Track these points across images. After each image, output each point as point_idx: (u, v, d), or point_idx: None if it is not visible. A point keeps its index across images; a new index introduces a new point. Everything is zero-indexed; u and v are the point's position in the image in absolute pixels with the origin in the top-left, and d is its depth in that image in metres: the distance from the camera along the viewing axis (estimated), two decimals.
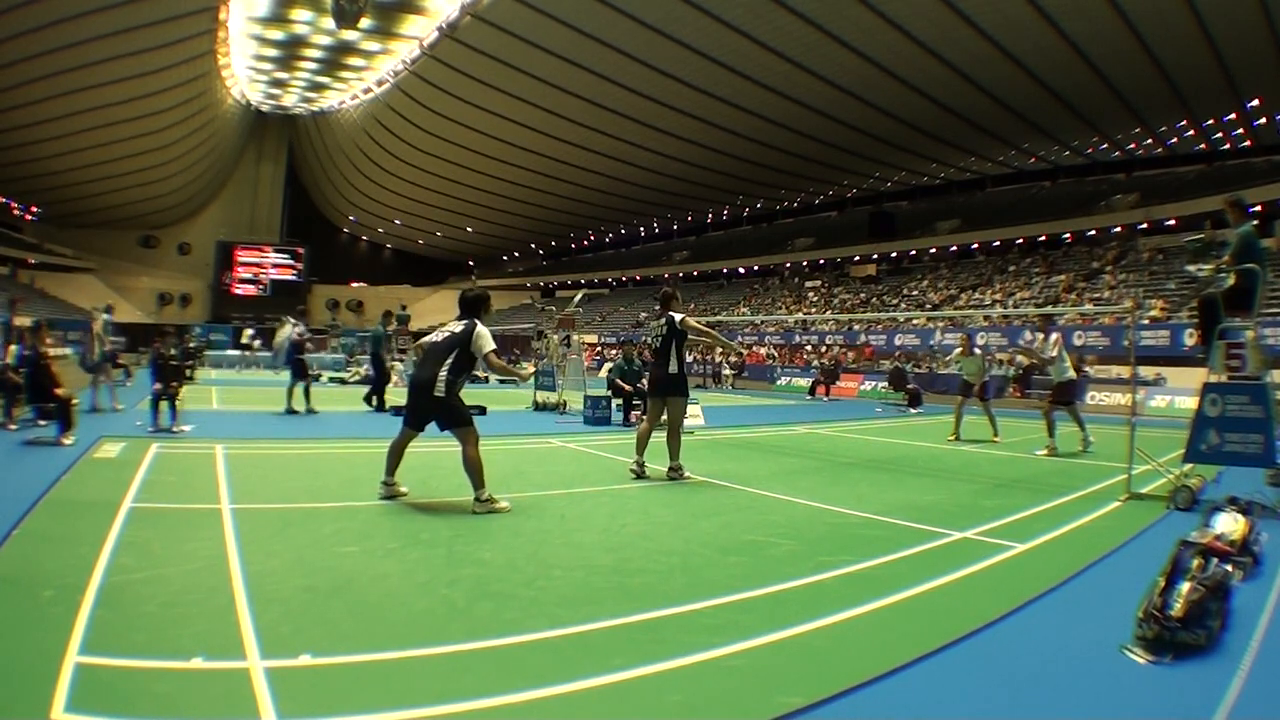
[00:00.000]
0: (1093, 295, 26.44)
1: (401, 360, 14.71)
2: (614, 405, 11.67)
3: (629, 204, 48.62)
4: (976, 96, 29.42)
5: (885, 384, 21.07)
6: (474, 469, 4.89)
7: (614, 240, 59.77)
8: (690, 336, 6.68)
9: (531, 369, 5.20)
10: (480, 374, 24.81)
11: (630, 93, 32.81)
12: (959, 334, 14.44)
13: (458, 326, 5.17)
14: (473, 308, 5.28)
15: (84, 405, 10.18)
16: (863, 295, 36.76)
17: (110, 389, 10.86)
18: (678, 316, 6.56)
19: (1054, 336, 9.37)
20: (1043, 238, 34.19)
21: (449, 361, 4.99)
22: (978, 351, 11.66)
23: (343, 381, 19.57)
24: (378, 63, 38.35)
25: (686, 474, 6.44)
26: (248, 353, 26.78)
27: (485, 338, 5.10)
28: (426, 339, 5.33)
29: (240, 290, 54.58)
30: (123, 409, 10.40)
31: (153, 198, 49.54)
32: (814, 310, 36.57)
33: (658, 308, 6.98)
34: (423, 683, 2.36)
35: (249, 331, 29.13)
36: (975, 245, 37.20)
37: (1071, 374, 9.53)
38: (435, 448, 8.42)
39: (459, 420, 5.01)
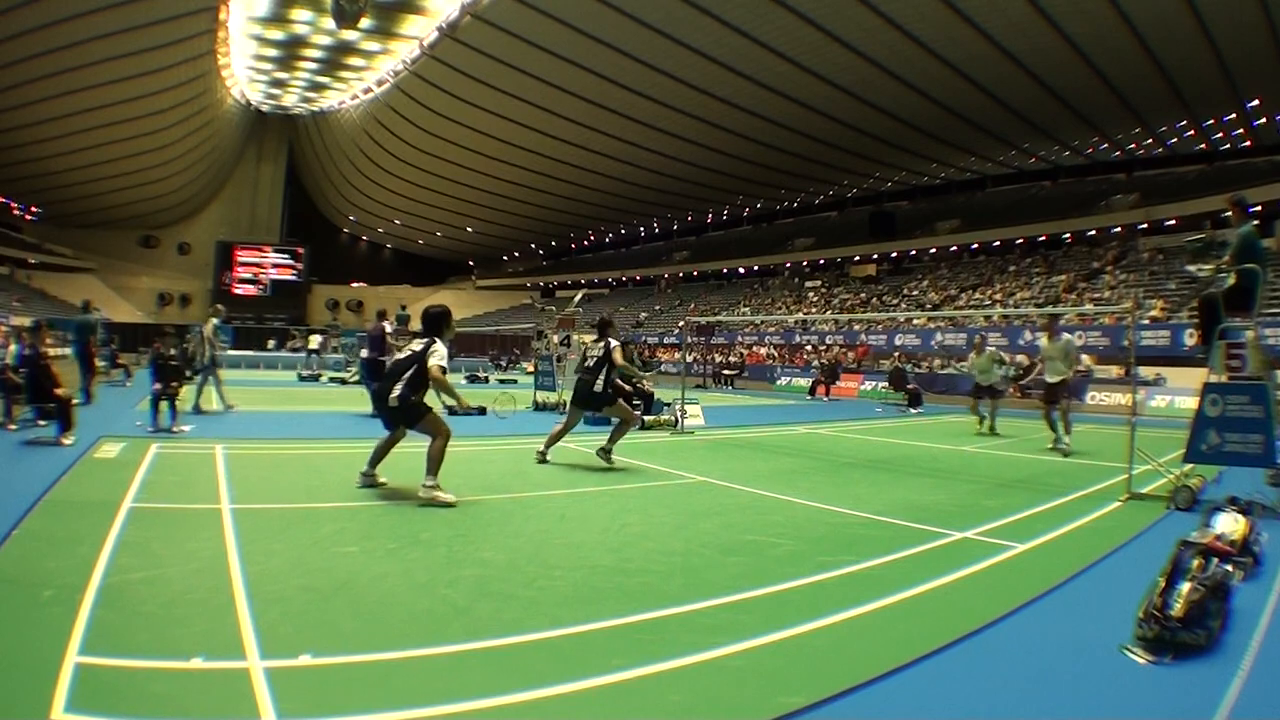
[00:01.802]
0: (1093, 295, 26.43)
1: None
2: None
3: (629, 204, 48.63)
4: (976, 96, 29.41)
5: (885, 384, 21.07)
6: (433, 457, 5.12)
7: (614, 240, 59.78)
8: (619, 363, 7.31)
9: (466, 403, 5.47)
10: (480, 374, 24.86)
11: (630, 93, 32.81)
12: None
13: (419, 345, 5.41)
14: (434, 325, 5.47)
15: (188, 406, 10.40)
16: (863, 295, 36.75)
17: (217, 388, 11.07)
18: (614, 343, 7.28)
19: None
20: (1043, 238, 34.19)
21: (406, 376, 5.25)
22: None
23: (342, 381, 19.57)
24: (378, 63, 38.35)
25: (614, 458, 7.02)
26: (316, 357, 26.61)
27: (436, 355, 5.30)
28: (399, 356, 5.56)
29: (240, 290, 54.56)
30: (234, 408, 10.95)
31: (153, 198, 49.54)
32: (814, 310, 36.57)
33: (596, 329, 7.66)
34: (423, 683, 2.36)
35: (316, 338, 28.90)
36: (975, 245, 37.19)
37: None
38: None
39: (416, 417, 5.30)
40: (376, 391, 5.43)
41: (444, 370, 5.29)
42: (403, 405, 5.25)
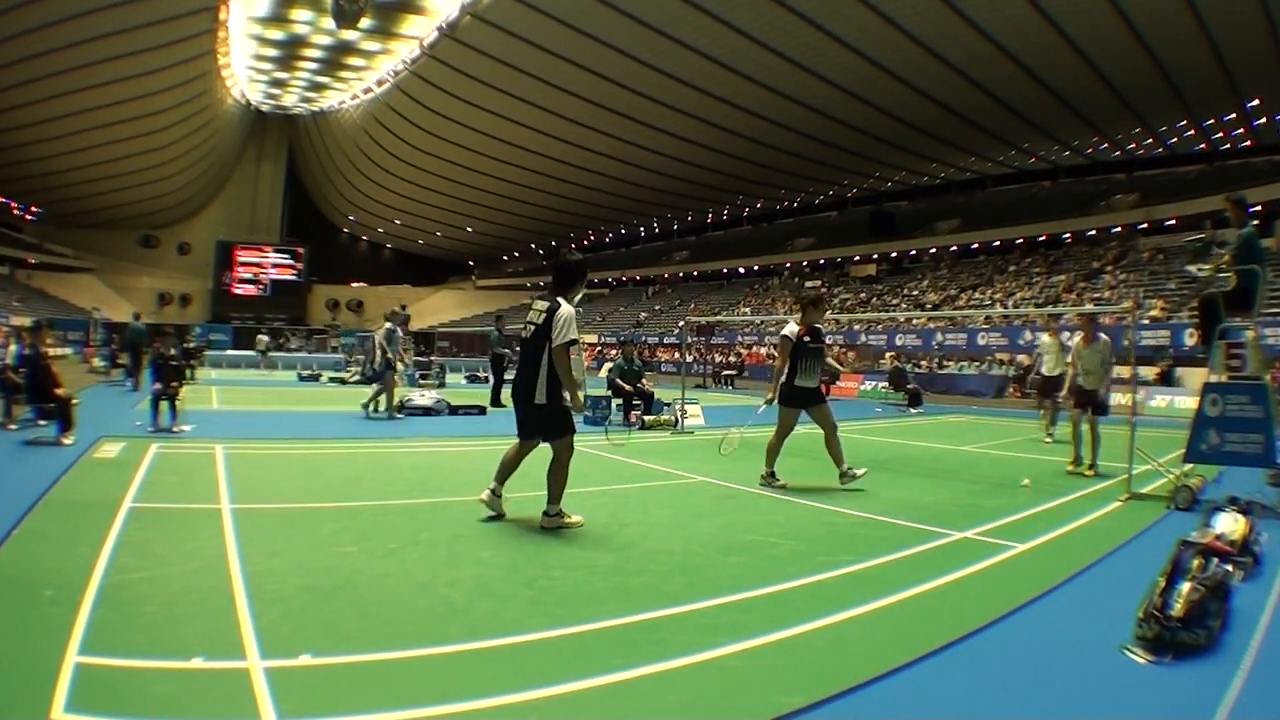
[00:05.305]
0: (1093, 295, 26.42)
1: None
2: (614, 405, 11.65)
3: (629, 204, 48.61)
4: (976, 96, 29.40)
5: (885, 384, 21.06)
6: (559, 485, 4.42)
7: (614, 240, 59.75)
8: None
9: (581, 404, 4.34)
10: (481, 374, 24.60)
11: (630, 93, 32.79)
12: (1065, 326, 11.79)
13: (540, 310, 4.21)
14: (564, 278, 4.32)
15: (367, 413, 10.70)
16: (863, 295, 36.76)
17: (384, 396, 10.86)
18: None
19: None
20: (1043, 238, 34.18)
21: (545, 362, 4.13)
22: (1102, 336, 8.34)
23: (342, 381, 19.57)
24: (378, 63, 38.33)
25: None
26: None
27: (561, 324, 4.07)
28: (523, 334, 4.46)
29: (240, 290, 54.55)
30: (384, 415, 10.67)
31: (153, 198, 49.54)
32: None
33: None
34: (423, 683, 2.36)
35: (263, 339, 29.28)
36: (975, 245, 37.18)
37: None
38: (435, 448, 8.42)
39: (558, 430, 4.42)
40: (516, 386, 4.33)
41: (568, 348, 4.08)
42: (551, 408, 4.20)
